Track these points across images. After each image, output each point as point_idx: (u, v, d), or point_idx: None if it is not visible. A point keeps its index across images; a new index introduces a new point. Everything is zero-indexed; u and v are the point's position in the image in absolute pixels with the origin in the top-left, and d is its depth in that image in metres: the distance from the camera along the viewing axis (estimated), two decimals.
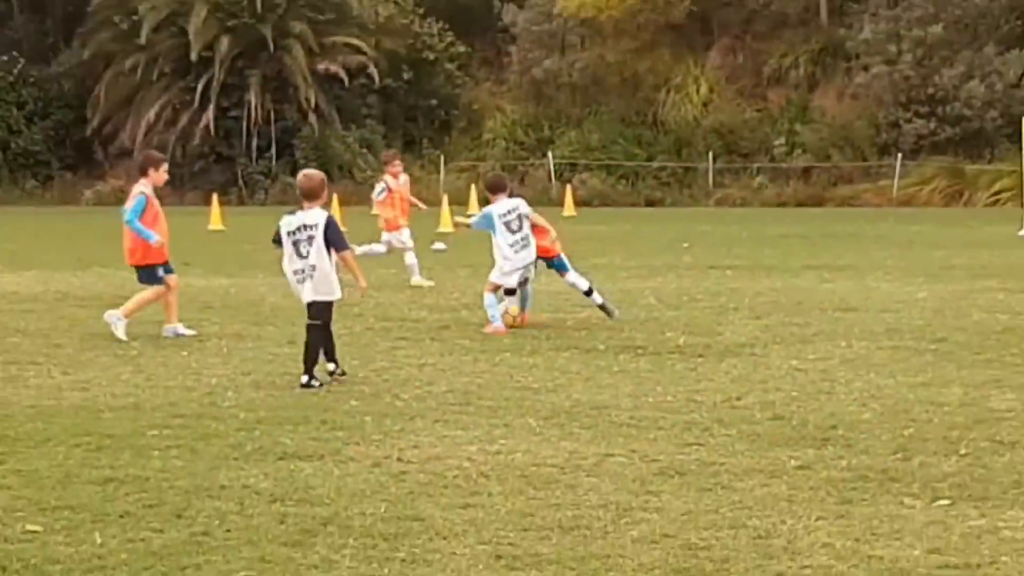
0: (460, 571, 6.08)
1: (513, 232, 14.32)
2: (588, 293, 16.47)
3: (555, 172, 40.63)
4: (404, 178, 20.75)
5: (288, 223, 11.50)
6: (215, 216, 32.12)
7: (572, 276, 16.52)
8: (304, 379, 11.15)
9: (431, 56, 44.63)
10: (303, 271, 11.32)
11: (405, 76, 44.35)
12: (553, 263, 16.45)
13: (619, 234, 27.32)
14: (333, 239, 11.22)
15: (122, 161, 43.92)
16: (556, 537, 6.64)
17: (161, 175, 14.60)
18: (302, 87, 42.38)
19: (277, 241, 11.65)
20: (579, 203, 36.26)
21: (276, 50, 42.27)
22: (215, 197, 34.36)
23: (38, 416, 10.10)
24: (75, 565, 6.14)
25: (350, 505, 7.39)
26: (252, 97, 42.21)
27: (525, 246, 14.47)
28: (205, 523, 6.92)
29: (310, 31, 42.41)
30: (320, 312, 11.55)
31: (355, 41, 42.78)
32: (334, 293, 11.53)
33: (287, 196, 40.44)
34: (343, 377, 11.66)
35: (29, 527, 6.88)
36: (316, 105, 42.79)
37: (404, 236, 20.36)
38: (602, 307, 16.21)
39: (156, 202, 14.62)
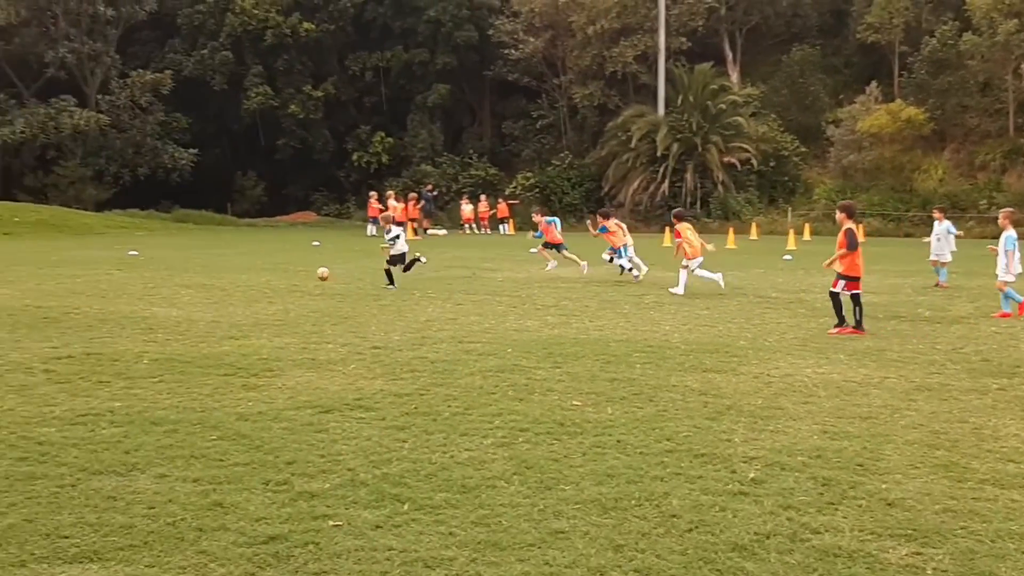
0: (801, 438, 7.63)
1: (401, 240, 18.73)
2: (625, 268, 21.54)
3: None
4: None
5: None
6: (666, 238, 37.35)
7: (622, 260, 21.64)
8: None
9: (786, 153, 52.70)
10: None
11: (771, 164, 52.13)
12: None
13: (890, 253, 30.42)
14: None
15: (618, 209, 49.16)
16: (856, 423, 8.14)
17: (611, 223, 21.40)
18: (715, 171, 50.50)
19: None
20: (866, 234, 38.59)
21: (702, 151, 50.65)
22: (667, 229, 38.20)
23: (576, 344, 12.28)
24: (597, 425, 8.02)
25: (741, 399, 9.02)
26: (688, 176, 51.00)
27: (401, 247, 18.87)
28: (664, 404, 8.77)
29: (721, 140, 50.69)
30: None
31: (745, 145, 50.69)
32: None
33: (704, 230, 43.28)
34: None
35: (574, 403, 8.76)
36: (722, 180, 50.67)
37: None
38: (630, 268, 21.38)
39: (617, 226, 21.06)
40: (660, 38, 53.53)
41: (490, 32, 57.41)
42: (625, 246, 21.90)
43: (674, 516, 5.84)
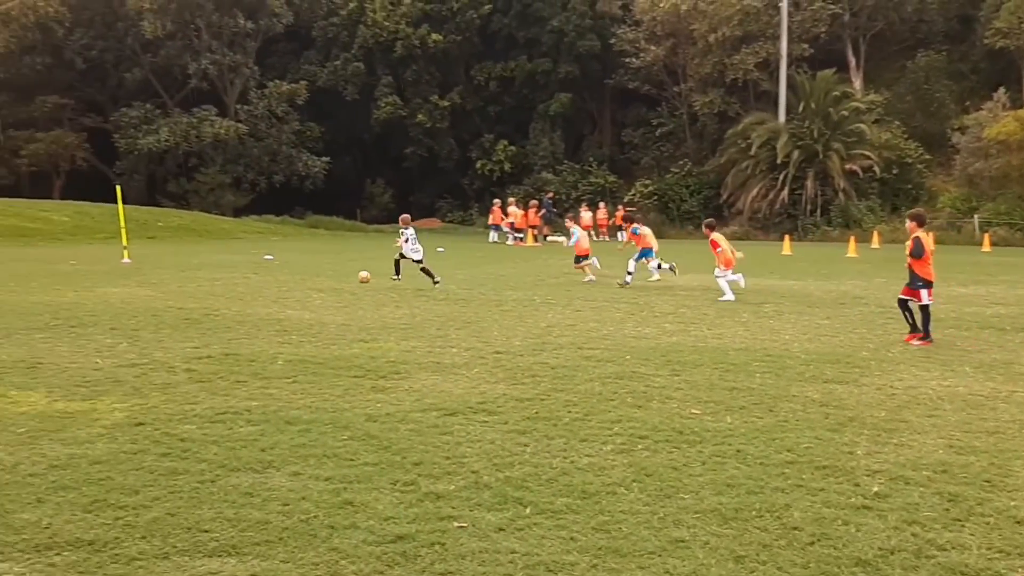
0: (926, 452, 7.34)
1: (411, 243, 20.23)
2: (659, 266, 22.02)
3: (979, 226, 45.11)
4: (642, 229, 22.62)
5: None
6: (786, 247, 36.60)
7: (652, 264, 22.07)
8: None
9: (909, 160, 50.85)
10: None
11: (894, 172, 50.30)
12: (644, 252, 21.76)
13: (1018, 263, 29.83)
14: None
15: (736, 217, 51.98)
16: (983, 438, 7.80)
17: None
18: (836, 178, 49.10)
19: None
20: (992, 244, 39.40)
21: (823, 158, 49.26)
22: (787, 237, 39.73)
23: (695, 352, 12.15)
24: (716, 434, 7.91)
25: (864, 411, 8.73)
26: (808, 183, 49.63)
27: (415, 250, 20.34)
28: (785, 415, 8.56)
29: (842, 147, 49.15)
30: None
31: (868, 152, 49.09)
32: None
33: (824, 239, 46.90)
34: None
35: (693, 411, 8.67)
36: (844, 188, 49.16)
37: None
38: (669, 268, 21.90)
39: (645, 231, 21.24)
40: (782, 45, 52.63)
41: (612, 41, 57.20)
42: (649, 249, 22.14)
43: (796, 529, 5.72)
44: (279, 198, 59.50)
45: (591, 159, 60.79)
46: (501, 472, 6.78)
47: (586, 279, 22.90)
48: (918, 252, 13.30)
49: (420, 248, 20.76)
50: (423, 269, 20.55)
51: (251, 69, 60.32)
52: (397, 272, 21.09)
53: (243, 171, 59.31)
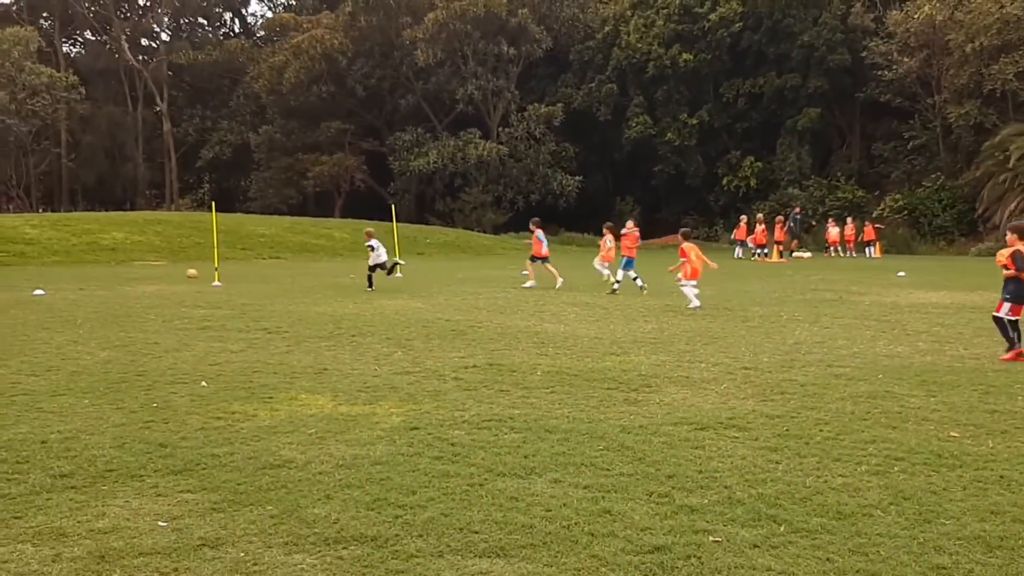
0: None
1: (377, 251, 21.94)
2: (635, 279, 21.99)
3: None
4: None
5: None
6: None
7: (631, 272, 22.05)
8: None
9: None
10: None
11: None
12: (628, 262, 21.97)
13: None
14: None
15: (992, 232, 47.40)
16: None
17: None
18: None
19: None
20: None
21: None
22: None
23: (951, 372, 11.28)
24: (977, 458, 7.42)
25: None
26: None
27: (377, 256, 22.54)
28: None
29: None
30: None
31: None
32: None
33: None
34: None
35: (952, 434, 8.07)
36: None
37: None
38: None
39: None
40: None
41: (863, 54, 54.91)
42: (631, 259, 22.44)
43: None
44: (534, 216, 60.50)
45: (839, 173, 58.61)
46: (753, 488, 6.63)
47: (527, 285, 23.99)
48: (1022, 266, 12.47)
49: (382, 257, 23.08)
50: (372, 271, 22.95)
51: (512, 93, 62.03)
52: (391, 271, 24.34)
53: (503, 190, 61.03)
